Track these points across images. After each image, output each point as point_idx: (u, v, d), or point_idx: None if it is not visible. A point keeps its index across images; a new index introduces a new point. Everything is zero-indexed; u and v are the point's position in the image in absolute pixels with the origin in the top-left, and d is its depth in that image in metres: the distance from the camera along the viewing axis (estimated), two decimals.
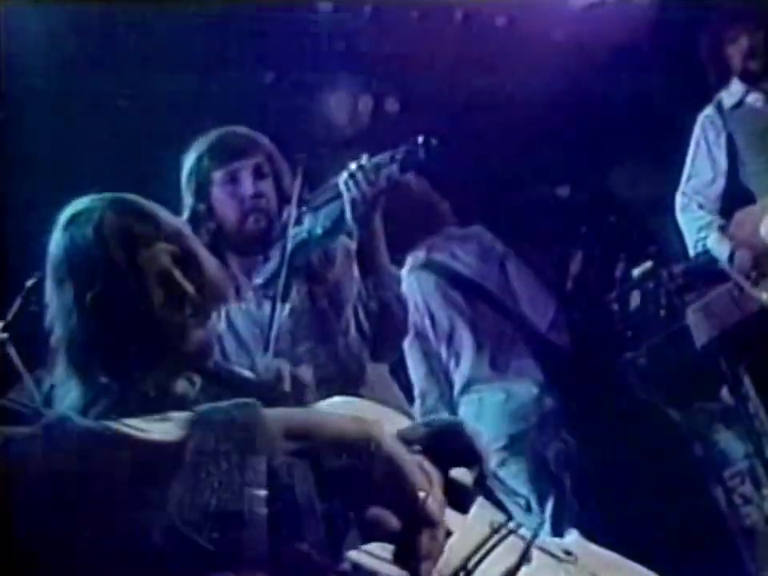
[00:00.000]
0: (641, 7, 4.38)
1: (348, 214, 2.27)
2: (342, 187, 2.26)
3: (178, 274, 1.55)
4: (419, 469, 0.94)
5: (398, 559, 0.92)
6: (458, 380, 3.40)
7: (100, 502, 0.80)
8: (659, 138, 4.08)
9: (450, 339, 3.41)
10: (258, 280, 2.36)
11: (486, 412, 3.31)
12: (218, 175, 2.40)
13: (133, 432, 0.91)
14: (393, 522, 0.89)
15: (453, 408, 3.37)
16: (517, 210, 4.52)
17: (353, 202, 2.23)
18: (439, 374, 3.41)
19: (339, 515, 0.88)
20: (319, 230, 2.32)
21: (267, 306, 2.26)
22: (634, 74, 4.35)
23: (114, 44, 4.09)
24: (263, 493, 0.83)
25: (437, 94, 4.58)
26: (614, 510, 2.75)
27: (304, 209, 2.35)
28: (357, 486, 0.91)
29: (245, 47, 4.34)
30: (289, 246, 2.23)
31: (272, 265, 2.32)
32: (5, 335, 2.17)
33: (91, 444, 0.87)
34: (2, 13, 3.48)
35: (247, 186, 2.38)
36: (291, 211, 2.29)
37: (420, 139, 2.22)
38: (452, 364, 3.41)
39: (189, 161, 2.46)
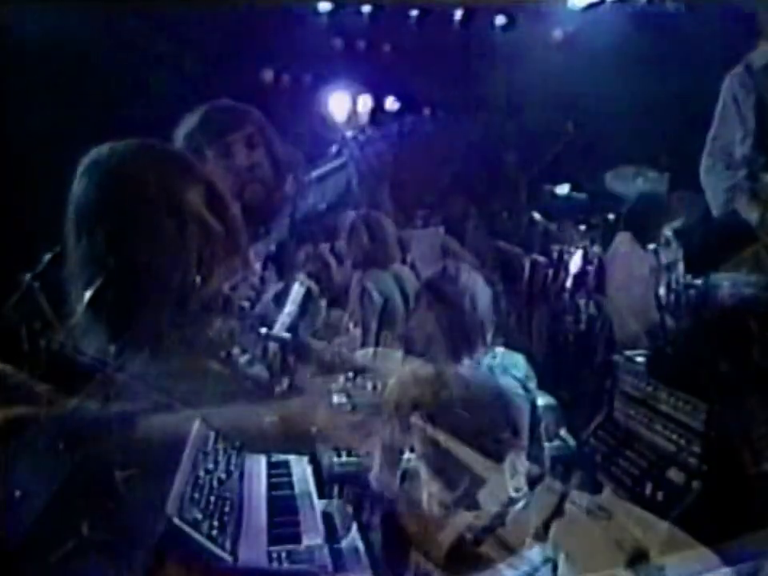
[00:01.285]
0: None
1: (354, 183, 2.27)
2: (347, 156, 2.25)
3: (208, 214, 1.54)
4: None
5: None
6: None
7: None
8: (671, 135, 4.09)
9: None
10: (263, 250, 2.32)
11: None
12: (211, 153, 2.37)
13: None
14: (413, 526, 0.86)
15: None
16: (517, 207, 4.53)
17: (358, 170, 2.23)
18: None
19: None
20: (324, 203, 2.32)
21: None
22: (639, 73, 4.36)
23: (112, 39, 4.07)
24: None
25: (436, 93, 4.59)
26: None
27: (309, 180, 2.35)
28: None
29: (244, 46, 4.34)
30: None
31: (276, 235, 2.30)
32: (36, 284, 2.16)
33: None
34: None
35: (241, 158, 2.38)
36: (297, 184, 2.28)
37: (427, 111, 2.24)
38: None
39: (178, 140, 2.41)
